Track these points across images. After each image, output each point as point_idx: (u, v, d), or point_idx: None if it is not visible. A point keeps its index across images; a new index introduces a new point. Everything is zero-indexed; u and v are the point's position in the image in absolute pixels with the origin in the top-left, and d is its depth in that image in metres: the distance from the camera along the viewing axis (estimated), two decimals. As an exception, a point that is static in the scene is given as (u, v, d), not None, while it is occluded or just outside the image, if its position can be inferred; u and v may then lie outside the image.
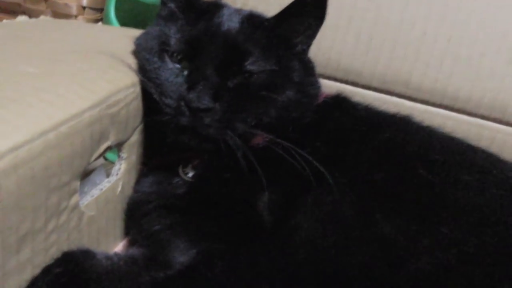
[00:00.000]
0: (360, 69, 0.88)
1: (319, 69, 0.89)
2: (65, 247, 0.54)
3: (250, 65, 0.61)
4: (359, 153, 0.59)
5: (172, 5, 0.67)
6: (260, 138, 0.62)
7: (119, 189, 0.64)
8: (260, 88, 0.61)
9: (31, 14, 1.43)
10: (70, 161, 0.50)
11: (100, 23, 1.35)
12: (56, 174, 0.48)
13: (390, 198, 0.52)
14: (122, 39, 0.74)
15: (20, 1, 1.42)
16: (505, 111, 0.85)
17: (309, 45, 0.69)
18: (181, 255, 0.56)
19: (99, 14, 1.41)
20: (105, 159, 0.77)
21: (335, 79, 0.90)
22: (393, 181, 0.54)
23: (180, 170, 0.65)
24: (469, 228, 0.49)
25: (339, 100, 0.71)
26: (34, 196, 0.45)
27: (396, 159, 0.58)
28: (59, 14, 1.41)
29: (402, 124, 0.66)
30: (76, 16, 1.41)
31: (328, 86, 0.89)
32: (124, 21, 1.24)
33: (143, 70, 0.64)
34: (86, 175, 0.60)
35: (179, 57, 0.62)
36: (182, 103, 0.58)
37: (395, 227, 0.49)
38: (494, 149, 0.85)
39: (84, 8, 1.40)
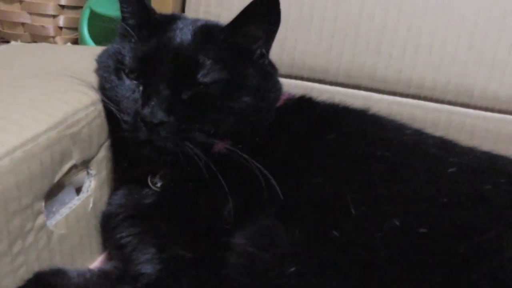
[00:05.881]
0: (325, 66, 0.89)
1: (285, 69, 0.91)
2: (36, 267, 0.55)
3: (203, 77, 0.61)
4: (309, 155, 0.61)
5: (129, 22, 0.68)
6: (221, 145, 0.64)
7: (91, 205, 0.66)
8: (215, 98, 0.62)
9: (10, 38, 1.45)
10: (29, 184, 0.51)
11: (69, 44, 1.37)
12: (15, 197, 0.49)
13: (325, 206, 0.54)
14: (88, 58, 0.75)
15: (-3, 27, 1.44)
16: (471, 95, 0.86)
17: (267, 49, 0.69)
18: (148, 265, 0.58)
19: (76, 34, 1.43)
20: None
21: (302, 79, 0.92)
22: (330, 185, 0.56)
23: (149, 181, 0.67)
24: (419, 216, 0.50)
25: (300, 101, 0.72)
26: (-6, 221, 0.47)
27: (340, 160, 0.59)
28: (37, 36, 1.44)
29: (356, 121, 0.67)
30: (53, 37, 1.43)
31: (296, 86, 0.91)
32: (99, 39, 1.26)
33: (102, 88, 0.66)
34: (54, 194, 0.62)
35: (133, 75, 0.63)
36: (138, 119, 0.60)
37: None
38: (464, 134, 0.87)
39: (61, 28, 1.43)
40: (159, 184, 0.66)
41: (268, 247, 0.52)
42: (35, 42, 1.45)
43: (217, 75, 0.62)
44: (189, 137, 0.61)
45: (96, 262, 0.68)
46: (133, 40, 0.65)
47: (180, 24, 0.67)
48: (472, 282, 0.44)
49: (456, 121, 0.87)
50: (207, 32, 0.66)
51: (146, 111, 0.59)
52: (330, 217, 0.52)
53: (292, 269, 0.49)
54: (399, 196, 0.52)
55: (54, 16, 1.41)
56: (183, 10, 0.96)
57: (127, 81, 0.64)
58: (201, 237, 0.58)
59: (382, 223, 0.50)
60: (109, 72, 0.66)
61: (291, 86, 0.87)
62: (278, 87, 0.72)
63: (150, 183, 0.67)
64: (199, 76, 0.62)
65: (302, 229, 0.52)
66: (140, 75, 0.63)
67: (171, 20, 0.68)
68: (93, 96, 0.65)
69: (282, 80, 0.89)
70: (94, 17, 1.25)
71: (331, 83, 0.90)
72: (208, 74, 0.62)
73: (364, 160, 0.58)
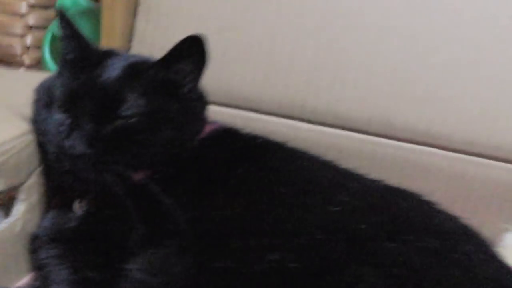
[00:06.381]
0: (260, 97, 0.95)
1: (223, 99, 0.97)
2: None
3: (125, 111, 0.67)
4: (216, 188, 0.66)
5: (67, 57, 0.74)
6: (140, 175, 0.69)
7: (19, 228, 0.71)
8: (136, 132, 0.67)
9: (-22, 56, 1.50)
10: None
11: (22, 69, 1.43)
12: None
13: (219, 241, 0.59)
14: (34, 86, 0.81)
15: (-35, 45, 1.49)
16: (393, 127, 0.92)
17: (194, 85, 0.74)
18: (61, 286, 0.63)
19: (44, 52, 1.49)
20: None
21: (239, 108, 0.97)
22: (226, 218, 0.61)
23: (76, 205, 0.72)
24: (294, 251, 0.55)
25: (223, 133, 0.78)
26: None
27: (241, 194, 0.64)
28: (5, 54, 1.49)
29: (268, 156, 0.73)
30: (21, 56, 1.48)
31: (233, 115, 0.96)
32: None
33: (34, 120, 0.71)
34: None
35: (62, 109, 0.69)
36: (62, 151, 0.65)
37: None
38: (386, 164, 0.93)
39: (28, 48, 1.48)
40: (84, 209, 0.71)
41: (159, 273, 0.57)
42: (2, 60, 1.51)
43: (140, 109, 0.68)
44: (108, 169, 0.66)
45: (22, 282, 0.72)
46: (65, 75, 0.71)
47: (112, 61, 0.72)
48: None
49: (379, 151, 0.93)
50: (136, 68, 0.71)
51: (67, 143, 0.64)
52: (218, 247, 0.57)
53: None
54: (284, 232, 0.58)
55: (21, 36, 1.47)
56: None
57: (57, 115, 0.69)
58: (108, 261, 0.63)
59: (263, 256, 0.55)
60: (41, 105, 0.71)
61: (228, 115, 0.94)
62: (201, 121, 0.77)
63: (76, 208, 0.72)
64: (121, 110, 0.67)
65: (194, 258, 0.57)
66: (68, 110, 0.68)
67: (105, 56, 0.74)
68: (24, 127, 0.71)
69: (220, 109, 0.96)
70: (57, 40, 1.31)
71: (266, 113, 0.96)
72: (130, 108, 0.67)
73: (261, 195, 0.63)
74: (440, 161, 0.92)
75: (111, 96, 0.67)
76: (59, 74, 0.73)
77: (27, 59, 1.50)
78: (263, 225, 0.59)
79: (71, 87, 0.69)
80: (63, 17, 0.74)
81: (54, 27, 1.29)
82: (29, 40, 1.48)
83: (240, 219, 0.60)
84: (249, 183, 0.66)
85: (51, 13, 1.46)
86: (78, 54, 0.72)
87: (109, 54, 0.75)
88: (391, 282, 0.53)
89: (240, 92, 0.96)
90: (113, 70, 0.70)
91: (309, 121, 0.95)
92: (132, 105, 0.67)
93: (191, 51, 0.70)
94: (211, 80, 0.93)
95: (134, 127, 0.67)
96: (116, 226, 0.66)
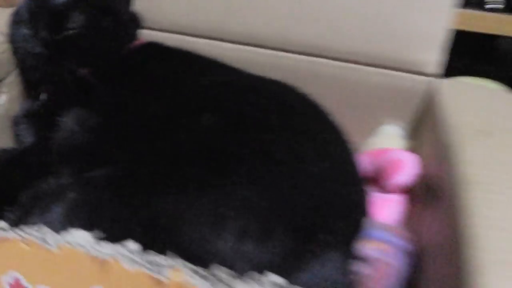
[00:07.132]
0: (188, 21, 1.21)
1: (162, 24, 1.23)
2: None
3: (69, 25, 0.96)
4: (127, 84, 0.94)
5: None
6: (83, 71, 0.98)
7: (3, 112, 1.02)
8: (78, 39, 0.96)
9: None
10: None
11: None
12: None
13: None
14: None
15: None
16: (291, 42, 1.16)
17: (125, 9, 1.03)
18: (28, 145, 0.93)
19: None
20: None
21: (177, 32, 1.23)
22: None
23: (40, 96, 1.02)
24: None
25: (150, 45, 1.05)
26: None
27: (140, 88, 0.92)
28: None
29: (180, 60, 1.00)
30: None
31: (166, 38, 1.22)
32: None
33: (9, 34, 1.01)
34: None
35: (26, 25, 0.97)
36: (26, 53, 0.94)
37: None
38: (286, 74, 1.13)
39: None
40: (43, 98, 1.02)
41: (82, 123, 0.87)
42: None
43: (80, 23, 0.96)
44: (59, 64, 0.95)
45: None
46: (29, 1, 1.00)
47: None
48: None
49: (281, 63, 1.17)
50: None
51: (29, 45, 0.94)
52: (116, 118, 0.87)
53: (91, 136, 0.84)
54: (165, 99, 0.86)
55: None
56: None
57: (22, 29, 0.98)
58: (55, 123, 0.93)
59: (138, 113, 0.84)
60: (12, 23, 1.00)
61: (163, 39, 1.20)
62: (131, 36, 1.05)
63: (41, 97, 1.02)
64: (67, 24, 0.96)
65: (103, 117, 0.87)
66: (30, 24, 0.97)
67: None
68: (1, 39, 1.00)
69: (155, 33, 1.22)
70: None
71: (193, 35, 1.21)
72: (74, 23, 0.96)
73: (154, 90, 0.91)
74: (329, 70, 1.16)
75: (59, 14, 0.96)
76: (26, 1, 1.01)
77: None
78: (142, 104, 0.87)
79: (31, 7, 0.97)
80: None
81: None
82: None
83: (129, 102, 0.89)
84: (153, 80, 0.93)
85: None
86: None
87: None
88: (224, 121, 0.79)
89: (179, 19, 1.21)
90: None
91: (228, 41, 1.20)
92: (75, 20, 0.96)
93: None
94: (147, 7, 1.20)
95: (77, 36, 0.96)
96: (61, 104, 0.96)
